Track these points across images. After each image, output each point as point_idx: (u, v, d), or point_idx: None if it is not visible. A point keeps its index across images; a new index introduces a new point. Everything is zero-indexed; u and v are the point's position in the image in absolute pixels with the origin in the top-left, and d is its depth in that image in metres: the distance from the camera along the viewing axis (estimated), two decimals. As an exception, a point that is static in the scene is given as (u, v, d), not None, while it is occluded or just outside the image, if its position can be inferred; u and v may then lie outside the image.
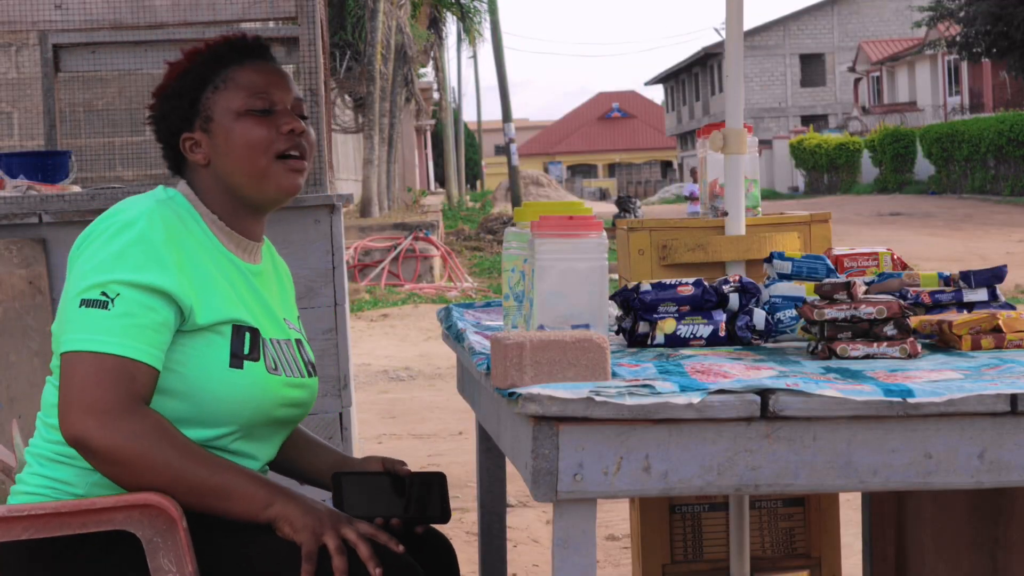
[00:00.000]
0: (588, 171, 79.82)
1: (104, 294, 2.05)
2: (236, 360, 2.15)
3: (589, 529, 1.87)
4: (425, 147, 47.56)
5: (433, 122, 45.38)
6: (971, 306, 2.51)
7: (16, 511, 2.06)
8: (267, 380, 2.19)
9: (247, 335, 2.17)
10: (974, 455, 1.88)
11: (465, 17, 34.99)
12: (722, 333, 2.40)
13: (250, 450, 2.22)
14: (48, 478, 2.15)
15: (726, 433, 1.86)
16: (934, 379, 1.98)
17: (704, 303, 2.42)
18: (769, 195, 40.03)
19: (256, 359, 2.17)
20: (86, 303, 2.06)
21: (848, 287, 2.29)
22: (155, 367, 2.07)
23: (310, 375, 2.33)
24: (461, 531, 4.88)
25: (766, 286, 2.55)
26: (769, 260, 2.61)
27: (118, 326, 2.04)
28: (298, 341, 2.34)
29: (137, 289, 2.06)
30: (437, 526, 2.38)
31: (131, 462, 2.02)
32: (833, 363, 2.19)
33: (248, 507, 2.07)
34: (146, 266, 2.08)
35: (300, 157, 2.25)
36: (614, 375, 2.01)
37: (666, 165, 76.28)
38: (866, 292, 2.42)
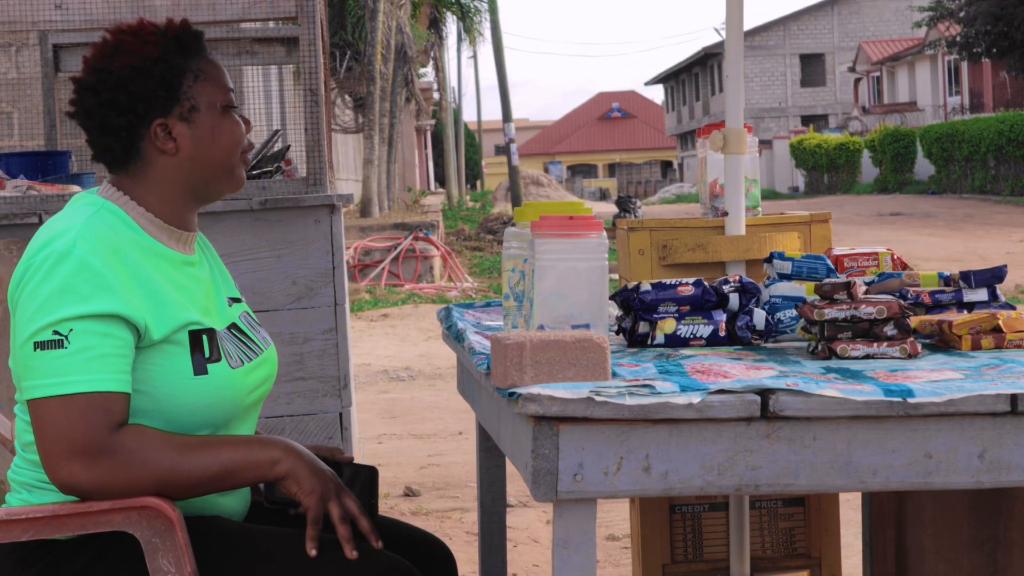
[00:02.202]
0: (588, 171, 79.81)
1: (57, 332, 2.00)
2: (200, 367, 2.11)
3: (589, 529, 1.87)
4: (425, 147, 47.56)
5: (433, 122, 45.37)
6: (971, 306, 2.51)
7: (15, 513, 2.06)
8: (233, 377, 2.16)
9: (204, 338, 2.13)
10: (974, 455, 1.88)
11: (465, 17, 34.98)
12: (722, 333, 2.40)
13: None
14: (34, 504, 2.13)
15: (726, 433, 1.86)
16: (934, 379, 1.98)
17: (704, 303, 2.42)
18: (769, 195, 40.02)
19: (218, 359, 2.14)
20: (40, 345, 2.00)
21: (848, 287, 2.29)
22: (125, 391, 2.03)
23: (266, 345, 2.30)
24: (461, 531, 4.88)
25: (766, 286, 2.55)
26: (769, 260, 2.61)
27: (78, 362, 2.00)
28: (245, 314, 2.31)
29: (89, 320, 2.01)
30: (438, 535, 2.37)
31: (128, 487, 2.02)
32: (833, 363, 2.19)
33: (256, 474, 2.09)
34: (93, 294, 2.02)
35: (249, 151, 2.28)
36: (614, 375, 2.01)
37: (666, 165, 76.27)
38: (866, 292, 2.42)
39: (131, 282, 2.07)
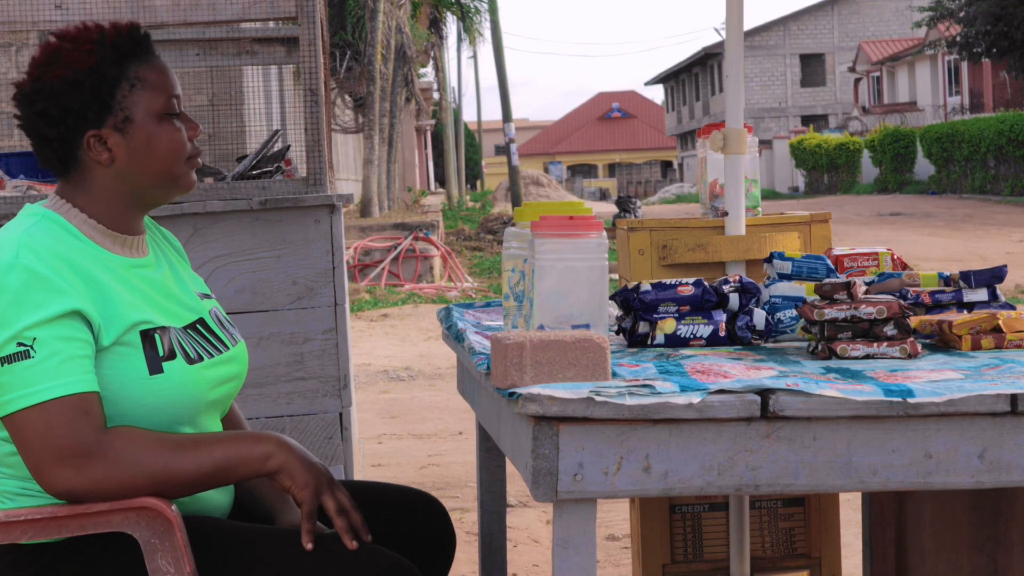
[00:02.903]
0: (588, 171, 79.80)
1: (20, 343, 1.98)
2: (154, 366, 2.09)
3: (589, 529, 1.87)
4: (425, 147, 47.56)
5: (433, 122, 45.37)
6: (971, 306, 2.51)
7: (13, 515, 2.05)
8: (191, 373, 2.14)
9: (156, 336, 2.11)
10: (974, 455, 1.88)
11: (465, 17, 34.99)
12: (722, 333, 2.40)
13: None
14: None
15: (726, 433, 1.86)
16: (934, 379, 1.98)
17: (704, 303, 2.42)
18: (769, 195, 40.02)
19: (173, 357, 2.12)
20: (6, 359, 1.98)
21: (848, 287, 2.29)
22: (97, 391, 2.02)
23: (234, 343, 2.28)
24: (461, 531, 4.88)
25: (766, 286, 2.55)
26: (769, 260, 2.61)
27: (48, 368, 1.98)
28: (213, 312, 2.28)
29: (50, 325, 1.99)
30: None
31: (123, 487, 2.01)
32: (833, 363, 2.19)
33: (249, 469, 2.08)
34: (47, 300, 2.00)
35: (198, 155, 2.23)
36: (614, 375, 2.01)
37: (666, 165, 76.27)
38: (866, 292, 2.42)
39: (79, 284, 2.05)
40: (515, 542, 4.70)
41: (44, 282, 2.01)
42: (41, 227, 2.10)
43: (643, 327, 2.42)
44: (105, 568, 2.07)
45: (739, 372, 2.04)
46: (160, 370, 2.10)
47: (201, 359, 2.17)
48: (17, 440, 2.00)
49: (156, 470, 2.02)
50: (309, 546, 2.07)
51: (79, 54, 2.11)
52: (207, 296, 2.31)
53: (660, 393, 1.85)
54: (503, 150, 42.29)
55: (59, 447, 1.97)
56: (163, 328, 2.13)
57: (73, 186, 2.17)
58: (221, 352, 2.23)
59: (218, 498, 2.23)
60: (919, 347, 2.27)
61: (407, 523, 2.36)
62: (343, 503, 2.11)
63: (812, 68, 55.60)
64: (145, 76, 2.15)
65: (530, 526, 5.04)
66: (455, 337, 2.73)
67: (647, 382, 1.91)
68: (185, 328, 2.19)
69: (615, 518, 5.02)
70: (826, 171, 42.22)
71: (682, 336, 2.40)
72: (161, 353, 2.11)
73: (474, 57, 48.32)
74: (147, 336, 2.10)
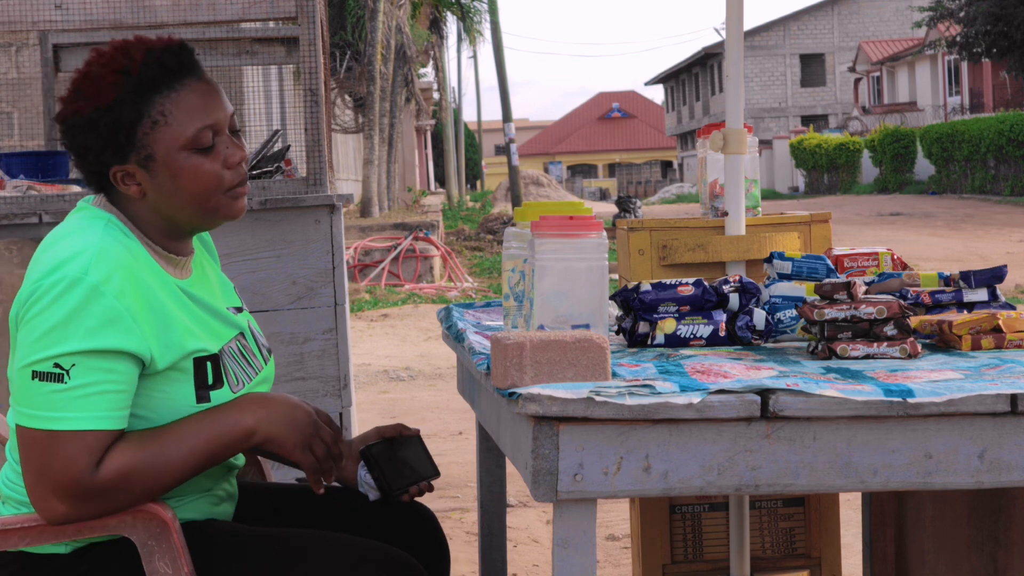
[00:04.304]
0: (588, 171, 79.81)
1: (58, 366, 1.94)
2: (202, 395, 2.08)
3: (589, 529, 1.87)
4: (425, 147, 47.55)
5: (433, 122, 45.37)
6: (971, 306, 2.51)
7: (11, 523, 2.05)
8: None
9: (208, 365, 2.09)
10: (974, 455, 1.88)
11: (465, 17, 35.00)
12: (722, 333, 2.40)
13: (231, 460, 2.23)
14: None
15: (726, 433, 1.86)
16: (934, 379, 1.98)
17: (704, 303, 2.42)
18: (769, 195, 40.02)
19: (220, 386, 2.10)
20: (39, 376, 1.95)
21: (848, 287, 2.29)
22: (116, 428, 1.99)
23: (265, 360, 2.26)
24: (461, 531, 4.89)
25: (766, 286, 2.55)
26: (769, 260, 2.61)
27: (74, 398, 1.94)
28: (249, 325, 2.27)
29: (93, 356, 1.95)
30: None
31: (118, 507, 2.01)
32: (833, 363, 2.19)
33: (235, 449, 2.08)
34: (100, 329, 1.95)
35: (244, 182, 2.13)
36: (614, 375, 2.01)
37: (666, 165, 76.26)
38: (866, 292, 2.42)
39: (143, 310, 2.00)
40: (515, 542, 4.70)
41: (105, 309, 1.96)
42: (112, 235, 2.04)
43: (643, 327, 2.42)
44: (107, 573, 2.07)
45: (739, 372, 2.04)
46: (208, 399, 2.09)
47: (243, 385, 2.16)
48: (20, 452, 2.00)
49: (146, 489, 2.01)
50: (321, 491, 2.16)
51: (102, 87, 2.04)
52: (239, 310, 2.28)
53: (660, 393, 1.85)
54: (503, 150, 42.30)
55: (53, 481, 1.96)
56: (214, 356, 2.11)
57: (116, 204, 2.12)
58: (257, 373, 2.22)
59: (222, 507, 2.23)
60: (919, 347, 2.27)
61: (401, 533, 2.35)
62: (327, 440, 2.14)
63: (812, 68, 55.60)
64: (173, 107, 2.06)
65: (530, 526, 5.04)
66: (455, 337, 2.73)
67: (647, 382, 1.91)
68: (230, 344, 2.17)
69: (615, 518, 5.02)
70: (826, 171, 42.23)
71: (682, 336, 2.40)
72: (210, 381, 2.09)
73: (474, 57, 48.37)
74: (199, 364, 2.08)
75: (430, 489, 2.39)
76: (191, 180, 2.07)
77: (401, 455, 2.37)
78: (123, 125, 2.04)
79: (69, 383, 1.94)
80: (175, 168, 2.06)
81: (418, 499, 2.43)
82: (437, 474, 2.39)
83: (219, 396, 2.11)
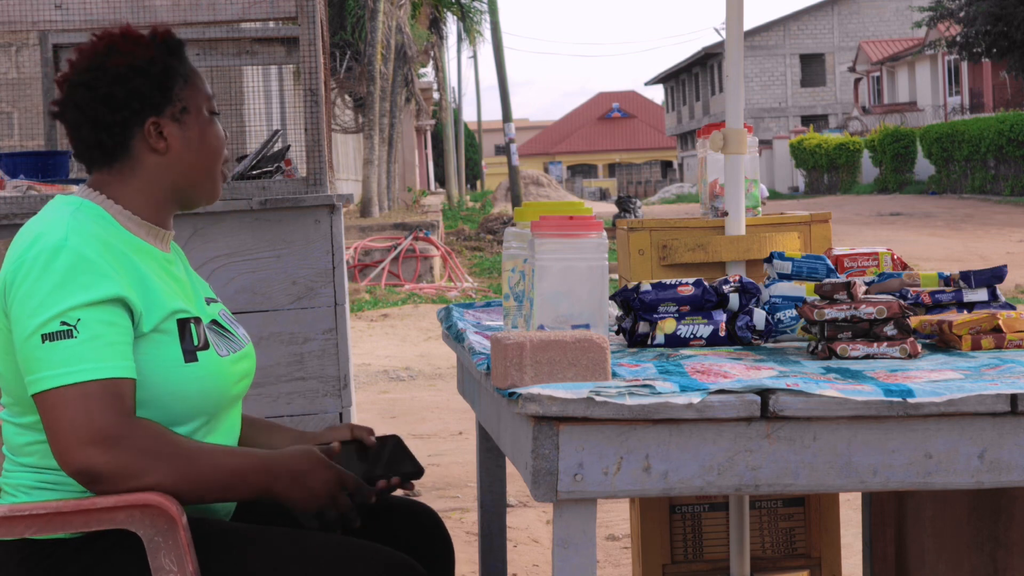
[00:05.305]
0: (588, 171, 79.79)
1: (64, 323, 2.01)
2: (190, 355, 2.14)
3: (589, 529, 1.87)
4: (425, 147, 47.55)
5: (433, 122, 45.37)
6: (971, 306, 2.51)
7: (18, 510, 2.06)
8: (221, 365, 2.19)
9: (191, 326, 2.16)
10: (974, 455, 1.88)
11: (465, 17, 35.01)
12: (722, 333, 2.40)
13: (218, 438, 2.22)
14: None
15: (726, 433, 1.86)
16: (934, 379, 1.98)
17: (704, 303, 2.42)
18: (769, 195, 40.00)
19: (206, 347, 2.17)
20: (49, 337, 2.01)
21: (848, 287, 2.29)
22: (133, 378, 2.06)
23: (246, 340, 2.34)
24: (461, 531, 4.89)
25: (766, 286, 2.55)
26: (769, 260, 2.62)
27: (90, 350, 2.01)
28: (223, 312, 2.33)
29: (95, 308, 2.03)
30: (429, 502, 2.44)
31: (141, 477, 2.02)
32: (833, 363, 2.19)
33: (248, 495, 2.11)
34: (94, 283, 2.05)
35: (229, 160, 2.32)
36: (614, 375, 2.01)
37: (666, 165, 76.25)
38: (866, 292, 2.42)
39: (122, 271, 2.10)
40: (515, 542, 4.70)
41: (91, 266, 2.05)
42: (84, 213, 2.15)
43: (643, 327, 2.42)
44: (112, 566, 2.07)
45: (739, 372, 2.04)
46: (195, 359, 2.14)
47: (228, 353, 2.23)
48: (47, 417, 2.01)
49: (167, 472, 2.03)
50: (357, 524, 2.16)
51: (137, 46, 2.19)
52: (213, 300, 2.34)
53: (660, 393, 1.85)
54: (503, 150, 42.31)
55: (90, 427, 1.99)
56: (196, 318, 2.18)
57: (115, 175, 2.21)
58: (239, 348, 2.28)
59: (222, 505, 2.23)
60: (919, 347, 2.27)
61: (405, 534, 2.36)
62: (343, 504, 2.15)
63: (812, 68, 55.60)
64: (192, 75, 2.24)
65: (530, 526, 5.05)
66: (455, 337, 2.73)
67: (647, 382, 1.91)
68: (209, 324, 2.24)
69: (615, 518, 5.02)
70: (826, 171, 42.23)
71: (682, 336, 2.40)
72: (196, 343, 2.16)
73: (474, 57, 48.38)
74: (183, 325, 2.15)
75: (410, 486, 2.41)
76: (214, 137, 2.25)
77: (380, 452, 2.36)
78: (167, 75, 2.19)
79: (79, 336, 2.02)
80: (203, 124, 2.23)
81: (418, 499, 2.43)
82: (419, 471, 2.38)
83: (207, 358, 2.16)
